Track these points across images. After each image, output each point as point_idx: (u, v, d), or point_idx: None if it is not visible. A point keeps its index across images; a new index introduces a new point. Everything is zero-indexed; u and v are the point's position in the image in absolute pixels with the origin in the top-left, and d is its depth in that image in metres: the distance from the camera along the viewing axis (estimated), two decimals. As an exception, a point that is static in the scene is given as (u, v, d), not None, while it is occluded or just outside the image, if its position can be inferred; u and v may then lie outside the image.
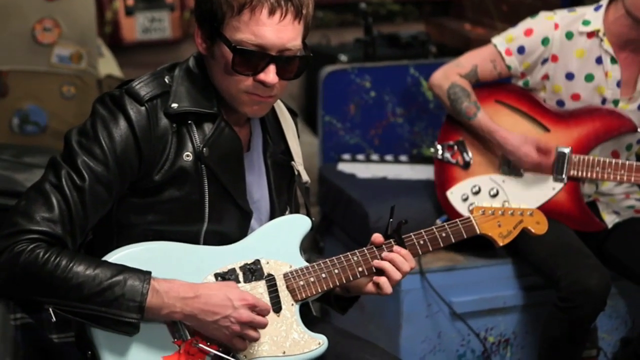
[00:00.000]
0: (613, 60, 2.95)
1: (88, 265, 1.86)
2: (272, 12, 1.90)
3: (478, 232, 2.22)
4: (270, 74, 1.93)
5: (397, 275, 2.08)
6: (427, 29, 5.47)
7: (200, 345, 1.93)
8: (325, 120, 3.75)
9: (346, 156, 3.76)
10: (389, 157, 3.77)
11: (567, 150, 2.97)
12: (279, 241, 2.08)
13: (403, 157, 3.77)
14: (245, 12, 1.90)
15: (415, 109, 3.76)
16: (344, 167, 3.70)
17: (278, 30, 1.91)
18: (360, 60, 4.40)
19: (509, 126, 3.04)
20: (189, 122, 1.99)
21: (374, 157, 3.77)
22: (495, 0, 5.03)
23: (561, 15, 3.02)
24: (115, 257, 1.94)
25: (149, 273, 1.88)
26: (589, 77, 2.98)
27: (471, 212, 2.23)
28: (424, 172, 3.42)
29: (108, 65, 4.17)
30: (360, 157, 3.76)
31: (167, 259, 1.97)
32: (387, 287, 2.09)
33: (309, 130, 4.61)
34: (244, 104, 1.99)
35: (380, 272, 2.10)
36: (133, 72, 2.12)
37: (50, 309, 1.87)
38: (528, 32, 3.02)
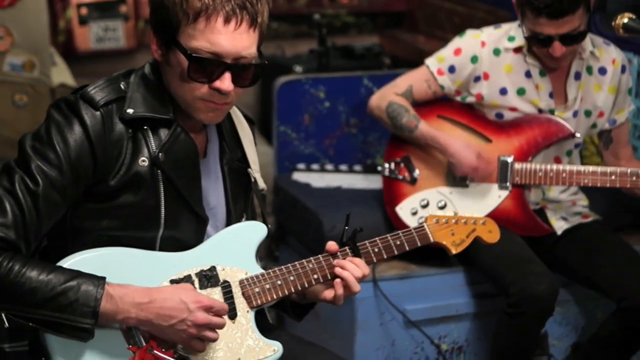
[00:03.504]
0: (542, 73, 3.02)
1: (41, 270, 1.85)
2: (227, 21, 1.91)
3: (432, 240, 2.25)
4: (225, 82, 1.94)
5: (356, 287, 2.10)
6: (381, 40, 5.52)
7: (155, 351, 1.92)
8: (280, 130, 3.77)
9: (301, 166, 3.78)
10: (343, 167, 3.80)
11: (509, 159, 3.04)
12: (235, 248, 2.09)
13: (357, 167, 3.80)
14: (201, 20, 1.91)
15: (368, 119, 3.78)
16: (299, 176, 3.72)
17: (233, 39, 1.92)
18: (314, 71, 4.43)
19: None
20: (145, 127, 1.99)
21: (329, 166, 3.79)
22: (448, 13, 5.09)
23: (487, 33, 3.09)
24: (70, 262, 1.93)
25: (104, 278, 1.88)
26: (521, 91, 3.05)
27: (425, 220, 2.26)
28: (378, 182, 3.45)
29: (61, 74, 4.15)
30: (315, 166, 3.79)
31: (122, 265, 1.96)
32: (341, 300, 2.11)
33: (263, 140, 4.62)
34: (200, 111, 2.00)
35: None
36: (87, 81, 2.11)
37: (3, 315, 1.86)
38: (457, 52, 3.09)
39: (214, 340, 1.96)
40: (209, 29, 1.91)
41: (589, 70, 3.05)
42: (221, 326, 1.97)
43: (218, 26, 1.91)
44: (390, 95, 3.16)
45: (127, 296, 1.89)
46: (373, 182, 3.58)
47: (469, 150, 3.02)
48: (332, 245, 2.15)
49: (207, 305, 1.94)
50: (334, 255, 2.14)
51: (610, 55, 3.06)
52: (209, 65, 1.93)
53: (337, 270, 2.10)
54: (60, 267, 1.90)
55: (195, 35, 1.92)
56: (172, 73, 1.98)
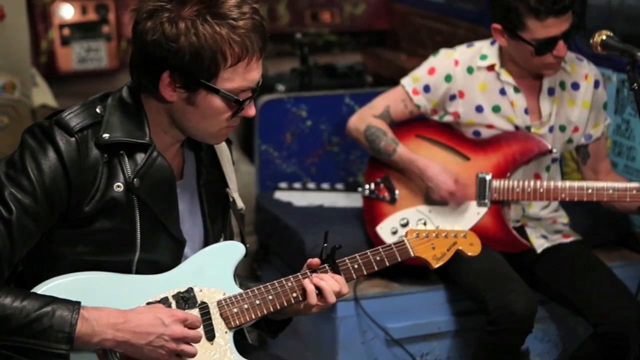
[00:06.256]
0: (516, 90, 3.04)
1: (15, 297, 1.84)
2: (259, 57, 1.96)
3: (412, 254, 2.24)
4: (253, 109, 2.00)
5: (331, 298, 2.10)
6: (364, 59, 5.54)
7: None
8: (262, 149, 3.77)
9: (283, 185, 3.78)
10: (325, 186, 3.80)
11: (488, 177, 3.05)
12: (212, 268, 2.09)
13: (339, 185, 3.81)
14: (241, 63, 1.93)
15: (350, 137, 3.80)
16: (281, 195, 3.72)
17: (259, 70, 1.98)
18: (297, 90, 4.44)
19: (430, 158, 3.10)
20: (121, 152, 1.98)
21: (311, 185, 3.80)
22: (429, 32, 5.11)
23: (460, 51, 3.11)
24: (45, 288, 1.93)
25: (78, 303, 1.87)
26: (496, 109, 3.07)
27: (405, 235, 2.26)
28: (360, 200, 3.45)
29: (42, 95, 4.14)
30: (297, 185, 3.79)
31: (99, 289, 1.96)
32: (311, 308, 2.10)
33: (246, 159, 4.62)
34: (219, 137, 2.05)
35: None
36: (69, 101, 2.11)
37: (-22, 342, 1.85)
38: (431, 71, 3.11)
39: (192, 355, 1.96)
40: (247, 70, 1.94)
41: (562, 85, 3.07)
42: (197, 339, 1.96)
43: (253, 65, 1.95)
44: (368, 118, 3.18)
45: (103, 318, 1.88)
46: (355, 201, 3.58)
47: (447, 175, 3.04)
48: (312, 262, 2.15)
49: (182, 317, 1.94)
50: (312, 272, 2.14)
51: (582, 71, 3.08)
52: (245, 101, 1.97)
53: (315, 279, 2.10)
54: (35, 294, 1.89)
55: (233, 78, 1.94)
56: (195, 112, 1.97)
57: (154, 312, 1.92)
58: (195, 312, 2.02)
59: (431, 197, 3.12)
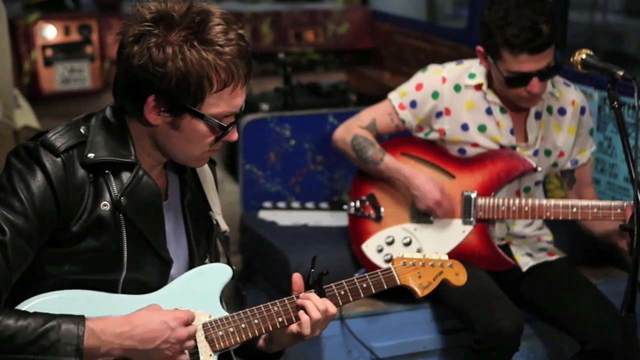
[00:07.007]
0: (502, 110, 3.06)
1: (18, 316, 1.85)
2: (245, 83, 1.97)
3: (398, 283, 2.25)
4: (235, 133, 2.02)
5: (315, 313, 2.10)
6: (348, 77, 5.55)
7: None
8: (246, 169, 3.77)
9: (267, 204, 3.78)
10: (309, 205, 3.80)
11: (473, 195, 3.06)
12: (198, 290, 2.09)
13: (323, 204, 3.81)
14: (227, 89, 1.94)
15: (334, 156, 3.81)
16: (265, 215, 3.72)
17: (243, 95, 1.99)
18: (281, 109, 4.45)
19: None
20: (106, 171, 1.98)
21: (295, 204, 3.80)
22: (413, 50, 5.13)
23: (449, 69, 3.13)
24: (29, 306, 1.92)
25: (83, 316, 1.88)
26: (482, 128, 3.08)
27: (392, 262, 2.26)
28: (344, 219, 3.46)
29: (25, 117, 4.12)
30: (281, 204, 3.79)
31: (84, 308, 1.94)
32: (306, 327, 2.10)
33: (230, 178, 4.61)
34: (201, 161, 2.06)
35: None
36: (52, 122, 2.10)
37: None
38: (419, 87, 3.12)
39: (193, 348, 1.99)
40: (232, 96, 1.96)
41: (549, 110, 3.09)
42: (194, 333, 2.00)
43: (238, 90, 1.96)
44: (354, 129, 3.19)
45: (109, 328, 1.90)
46: (339, 220, 3.59)
47: (433, 184, 3.05)
48: (297, 278, 2.16)
49: (185, 319, 1.97)
50: (299, 297, 2.14)
51: (569, 96, 3.10)
52: (229, 127, 1.99)
53: (300, 301, 2.12)
54: (36, 312, 1.89)
55: (218, 104, 1.95)
56: (179, 136, 1.98)
57: (159, 317, 1.94)
58: (180, 334, 2.02)
59: (417, 215, 3.13)
